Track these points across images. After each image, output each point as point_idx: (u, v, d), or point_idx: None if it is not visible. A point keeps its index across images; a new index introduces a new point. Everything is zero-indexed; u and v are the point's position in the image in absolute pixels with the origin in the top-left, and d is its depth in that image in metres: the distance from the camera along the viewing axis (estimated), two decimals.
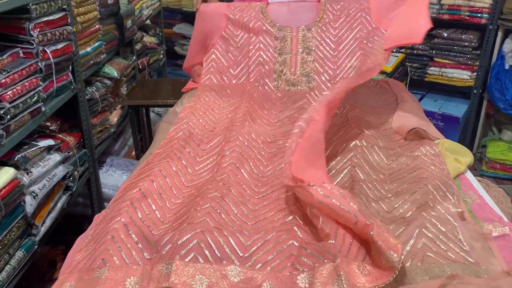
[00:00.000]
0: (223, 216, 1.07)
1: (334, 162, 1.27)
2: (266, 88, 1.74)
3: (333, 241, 0.93)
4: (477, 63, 2.96)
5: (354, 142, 1.30)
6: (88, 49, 2.18)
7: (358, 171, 1.18)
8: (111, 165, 2.54)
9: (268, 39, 1.79)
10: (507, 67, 2.92)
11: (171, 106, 2.75)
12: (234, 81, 1.81)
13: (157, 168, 1.26)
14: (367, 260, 0.90)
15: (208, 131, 1.50)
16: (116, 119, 2.51)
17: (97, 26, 2.25)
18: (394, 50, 3.19)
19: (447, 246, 0.93)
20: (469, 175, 1.24)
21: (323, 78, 1.72)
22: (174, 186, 1.23)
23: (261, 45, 1.79)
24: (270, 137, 1.44)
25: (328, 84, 1.70)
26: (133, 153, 2.89)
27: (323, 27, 1.77)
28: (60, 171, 1.80)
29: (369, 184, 1.15)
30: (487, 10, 2.82)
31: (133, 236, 1.04)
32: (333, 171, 1.24)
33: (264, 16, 1.81)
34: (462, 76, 3.01)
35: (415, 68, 3.18)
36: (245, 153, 1.33)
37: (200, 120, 1.55)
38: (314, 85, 1.71)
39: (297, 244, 0.97)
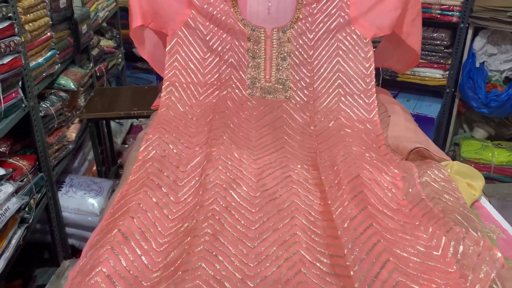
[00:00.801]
0: (221, 258, 0.92)
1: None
2: (240, 95, 1.58)
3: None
4: (449, 62, 2.92)
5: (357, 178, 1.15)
6: (40, 60, 1.95)
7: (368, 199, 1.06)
8: (71, 185, 2.31)
9: (240, 39, 1.60)
10: (477, 65, 2.90)
11: (135, 117, 2.56)
12: (202, 80, 1.60)
13: (134, 201, 1.08)
14: None
15: (185, 147, 1.33)
16: (74, 135, 2.28)
17: (49, 34, 2.02)
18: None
19: None
20: (485, 202, 1.14)
21: (299, 85, 1.58)
22: (158, 221, 1.06)
23: (233, 45, 1.61)
24: (254, 154, 1.30)
25: (305, 91, 1.57)
26: (94, 168, 2.67)
27: (298, 30, 1.60)
28: (14, 204, 1.57)
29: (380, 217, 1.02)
30: (458, 8, 2.77)
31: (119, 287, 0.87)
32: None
33: (235, 11, 1.58)
34: (435, 75, 2.97)
35: (387, 68, 3.10)
36: (231, 172, 1.18)
37: (174, 134, 1.37)
38: (290, 94, 1.57)
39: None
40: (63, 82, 2.18)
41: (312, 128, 1.46)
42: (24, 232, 1.68)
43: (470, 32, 2.83)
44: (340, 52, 1.57)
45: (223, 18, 1.60)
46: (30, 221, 1.72)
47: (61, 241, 2.16)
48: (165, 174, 1.20)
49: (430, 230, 0.96)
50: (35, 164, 1.86)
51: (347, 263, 0.86)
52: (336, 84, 1.56)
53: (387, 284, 0.80)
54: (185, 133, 1.39)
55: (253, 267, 0.92)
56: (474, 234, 0.95)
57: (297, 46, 1.60)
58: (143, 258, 0.95)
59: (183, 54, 1.61)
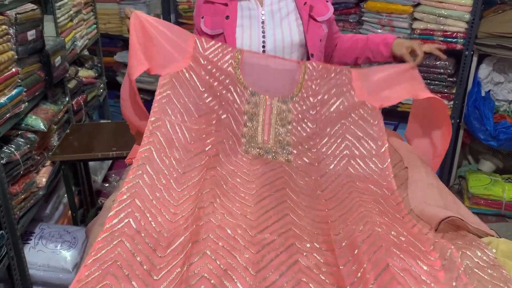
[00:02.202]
0: None
1: None
2: (235, 150, 1.35)
3: None
4: (453, 91, 2.73)
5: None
6: (3, 99, 1.71)
7: None
8: (41, 237, 2.05)
9: (238, 100, 1.42)
10: (483, 94, 2.72)
11: (114, 158, 2.31)
12: (193, 126, 1.37)
13: None
14: None
15: (166, 220, 1.08)
16: (45, 180, 2.03)
17: (14, 70, 1.79)
18: None
19: None
20: None
21: (300, 147, 1.38)
22: None
23: (230, 102, 1.40)
24: (252, 227, 1.05)
25: (309, 153, 1.36)
26: (69, 212, 2.41)
27: (300, 102, 1.45)
28: None
29: None
30: (462, 35, 2.60)
31: None
32: None
33: (236, 73, 1.42)
34: None
35: None
36: (221, 259, 0.93)
37: (154, 202, 1.12)
38: (291, 158, 1.34)
39: None
40: (32, 122, 1.95)
41: (319, 192, 1.23)
42: None
43: (475, 59, 2.66)
44: (347, 117, 1.43)
45: (223, 77, 1.43)
46: None
47: None
48: (138, 259, 0.95)
49: None
50: None
51: None
52: (343, 145, 1.36)
53: None
54: (167, 198, 1.15)
55: None
56: None
57: (299, 115, 1.44)
58: None
59: (174, 99, 1.38)
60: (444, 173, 2.92)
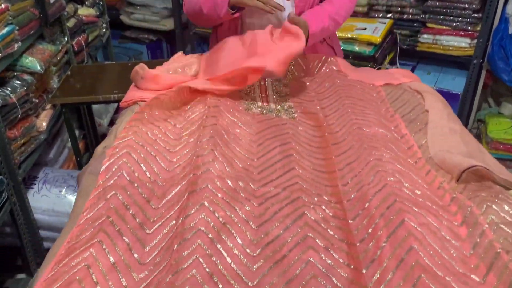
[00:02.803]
0: None
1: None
2: (235, 108, 1.24)
3: None
4: (478, 29, 2.53)
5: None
6: None
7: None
8: (45, 181, 2.01)
9: None
10: (511, 31, 2.52)
11: (116, 101, 2.22)
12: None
13: (83, 261, 0.77)
14: None
15: (161, 168, 1.00)
16: (45, 123, 1.96)
17: (3, 6, 1.66)
18: (381, 15, 2.73)
19: None
20: None
21: (302, 107, 1.30)
22: None
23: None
24: (255, 180, 0.96)
25: (313, 110, 1.28)
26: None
27: (293, 81, 1.43)
28: None
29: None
30: None
31: None
32: None
33: None
34: (460, 44, 2.59)
35: (405, 36, 2.73)
36: (220, 211, 0.85)
37: (148, 149, 1.04)
38: (296, 116, 1.23)
39: None
40: (27, 63, 1.85)
41: (326, 134, 1.12)
42: None
43: None
44: (344, 85, 1.39)
45: None
46: None
47: (33, 247, 1.88)
48: (130, 212, 0.88)
49: None
50: None
51: None
52: (346, 102, 1.26)
53: None
54: (162, 145, 1.07)
55: None
56: None
57: (295, 88, 1.41)
58: None
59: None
60: (463, 116, 2.78)
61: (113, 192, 0.91)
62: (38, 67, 1.85)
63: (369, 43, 2.50)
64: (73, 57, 2.41)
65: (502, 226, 0.79)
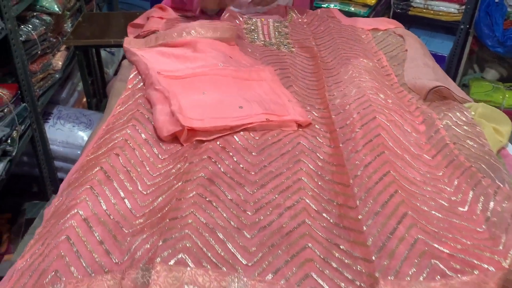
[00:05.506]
0: (215, 205, 0.81)
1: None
2: (240, 36, 1.45)
3: (374, 258, 0.70)
4: None
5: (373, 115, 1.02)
6: None
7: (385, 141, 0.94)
8: (59, 117, 2.18)
9: (236, 22, 1.63)
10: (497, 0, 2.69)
11: None
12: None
13: (121, 136, 0.97)
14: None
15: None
16: (60, 63, 2.12)
17: None
18: None
19: None
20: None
21: (300, 43, 1.53)
22: (146, 160, 0.95)
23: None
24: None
25: (309, 45, 1.49)
26: (85, 99, 2.53)
27: (292, 23, 1.67)
28: None
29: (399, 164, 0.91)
30: None
31: (96, 234, 0.78)
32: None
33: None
34: (449, 9, 2.76)
35: (399, 0, 2.88)
36: None
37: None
38: (294, 50, 1.45)
39: (317, 252, 0.74)
40: (46, 4, 1.99)
41: (319, 62, 1.32)
42: (7, 165, 1.58)
43: None
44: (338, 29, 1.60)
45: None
46: (13, 154, 1.62)
47: (49, 175, 2.07)
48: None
49: (456, 182, 0.85)
50: (16, 94, 1.72)
51: (359, 217, 0.76)
52: (338, 41, 1.48)
53: (405, 241, 0.70)
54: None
55: (251, 216, 0.82)
56: (507, 187, 0.84)
57: (294, 29, 1.63)
58: (126, 201, 0.85)
59: None
60: None
61: (141, 93, 1.10)
62: (56, 8, 2.00)
63: (364, 5, 2.66)
64: (84, 5, 2.54)
65: (453, 127, 0.99)
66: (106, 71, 2.89)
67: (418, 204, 0.80)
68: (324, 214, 0.82)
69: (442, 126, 0.99)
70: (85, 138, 2.14)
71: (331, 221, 0.81)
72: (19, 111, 1.72)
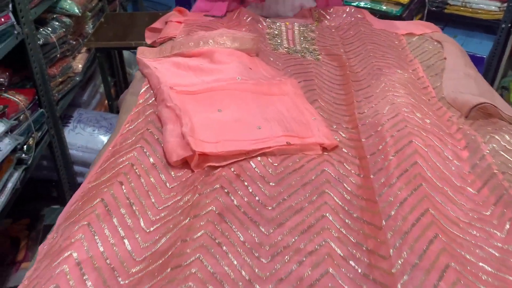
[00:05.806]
0: (225, 249, 0.72)
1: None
2: (263, 46, 1.35)
3: None
4: None
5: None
6: None
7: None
8: (79, 121, 2.14)
9: (259, 26, 1.53)
10: None
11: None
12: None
13: (127, 160, 0.89)
14: None
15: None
16: (81, 66, 2.08)
17: None
18: None
19: None
20: None
21: (327, 50, 1.41)
22: (152, 190, 0.86)
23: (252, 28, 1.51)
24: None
25: (337, 52, 1.37)
26: (106, 102, 2.48)
27: (319, 27, 1.56)
28: (6, 145, 1.41)
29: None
30: None
31: (89, 284, 0.70)
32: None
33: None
34: (490, 7, 2.58)
35: None
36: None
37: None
38: (320, 58, 1.32)
39: None
40: (66, 5, 1.94)
41: (348, 72, 1.21)
42: (21, 174, 1.54)
43: None
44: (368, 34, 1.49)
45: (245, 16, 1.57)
46: (29, 162, 1.57)
47: (68, 180, 2.03)
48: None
49: (508, 226, 0.73)
50: (34, 99, 1.68)
51: (393, 270, 0.65)
52: (369, 47, 1.36)
53: None
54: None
55: (266, 264, 0.71)
56: None
57: (320, 34, 1.52)
58: (126, 241, 0.76)
59: None
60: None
61: (151, 110, 1.01)
62: (76, 10, 1.95)
63: (397, 3, 2.51)
64: (106, 5, 2.49)
65: (501, 152, 0.87)
66: (129, 72, 2.85)
67: (463, 253, 0.68)
68: (351, 262, 0.71)
69: (488, 151, 0.87)
70: (105, 142, 2.10)
71: (359, 271, 0.70)
72: (36, 117, 1.67)
